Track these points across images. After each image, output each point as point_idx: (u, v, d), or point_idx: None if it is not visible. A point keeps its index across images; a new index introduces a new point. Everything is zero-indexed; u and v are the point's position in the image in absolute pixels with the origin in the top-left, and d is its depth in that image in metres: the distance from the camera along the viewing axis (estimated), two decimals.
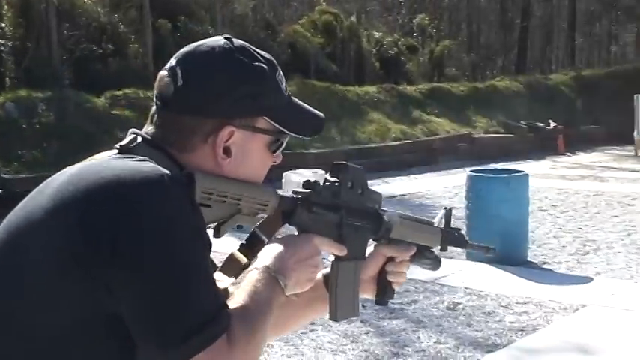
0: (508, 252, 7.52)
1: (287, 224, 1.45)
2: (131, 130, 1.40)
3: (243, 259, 1.42)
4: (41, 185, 1.32)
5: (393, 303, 6.23)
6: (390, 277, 1.67)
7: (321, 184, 1.47)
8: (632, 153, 19.95)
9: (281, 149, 1.45)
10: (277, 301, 1.35)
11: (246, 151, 1.39)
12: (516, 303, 6.27)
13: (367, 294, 1.68)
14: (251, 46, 1.43)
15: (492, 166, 12.65)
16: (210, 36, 1.48)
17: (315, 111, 1.48)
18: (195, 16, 18.95)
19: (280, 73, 1.44)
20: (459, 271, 7.15)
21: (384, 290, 1.67)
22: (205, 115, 1.35)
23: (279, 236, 1.45)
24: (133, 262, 1.17)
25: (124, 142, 1.34)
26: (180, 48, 1.42)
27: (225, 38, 1.42)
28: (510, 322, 5.78)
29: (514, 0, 36.14)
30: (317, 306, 1.60)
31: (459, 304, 6.28)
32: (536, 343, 5.36)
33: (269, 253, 1.38)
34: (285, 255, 1.38)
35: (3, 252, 1.27)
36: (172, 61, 1.39)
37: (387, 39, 26.09)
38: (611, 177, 15.43)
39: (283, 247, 1.39)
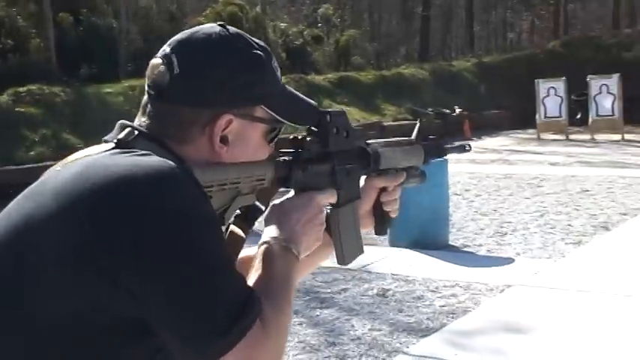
0: (430, 237, 7.68)
1: (283, 187, 1.43)
2: (122, 123, 1.33)
3: (241, 234, 1.40)
4: (32, 187, 1.25)
5: (322, 292, 6.26)
6: (385, 207, 1.67)
7: (308, 137, 1.44)
8: (535, 136, 20.56)
9: (277, 138, 1.42)
10: (295, 271, 1.33)
11: (243, 140, 1.35)
12: (444, 287, 6.35)
13: (366, 227, 1.67)
14: (246, 34, 1.38)
15: None
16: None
17: (309, 99, 1.45)
18: (98, 9, 18.49)
19: (275, 61, 1.40)
20: (384, 257, 7.21)
21: (381, 221, 1.69)
22: (204, 105, 1.30)
23: (277, 202, 1.42)
24: (158, 259, 1.12)
25: (121, 136, 1.27)
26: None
27: (220, 25, 1.36)
28: (440, 306, 5.85)
29: None
30: (321, 253, 1.56)
31: (389, 290, 6.32)
32: (468, 325, 5.44)
33: (274, 222, 1.36)
34: (290, 221, 1.36)
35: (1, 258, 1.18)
36: (166, 49, 1.33)
37: (292, 30, 26.10)
38: (518, 160, 15.87)
39: (287, 213, 1.37)
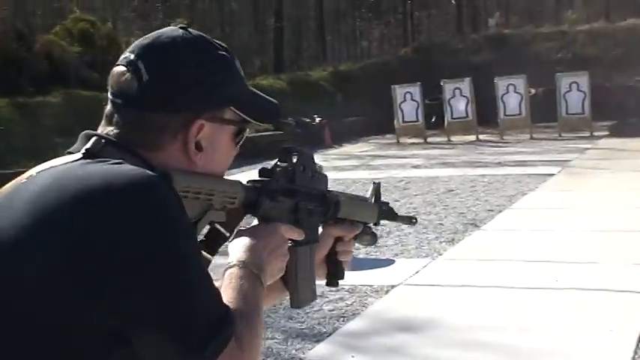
0: None
1: (249, 215, 1.40)
2: (86, 133, 1.28)
3: (209, 257, 1.34)
4: (1, 203, 1.19)
5: None
6: (340, 257, 1.65)
7: (277, 170, 1.44)
8: (394, 140, 21.08)
9: (243, 139, 1.39)
10: (262, 298, 1.30)
11: (215, 143, 1.31)
12: (329, 291, 6.39)
13: (318, 277, 1.64)
14: (206, 35, 1.36)
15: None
16: None
17: (269, 97, 1.43)
18: None
19: (237, 61, 1.38)
20: None
21: (335, 271, 1.66)
22: (175, 111, 1.26)
23: (243, 228, 1.40)
24: (138, 270, 1.09)
25: (89, 146, 1.21)
26: None
27: (182, 28, 1.33)
28: (330, 310, 5.90)
29: (266, 2, 36.92)
30: (271, 296, 1.51)
31: None
32: (360, 326, 5.52)
33: (241, 247, 1.33)
34: (257, 247, 1.33)
35: None
36: (129, 56, 1.28)
37: None
38: (381, 164, 16.22)
39: (255, 239, 1.35)
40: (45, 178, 1.16)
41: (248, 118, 1.36)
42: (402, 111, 20.61)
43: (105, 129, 1.28)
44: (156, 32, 1.33)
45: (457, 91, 20.05)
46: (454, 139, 19.84)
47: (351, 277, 6.72)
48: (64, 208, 1.10)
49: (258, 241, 1.35)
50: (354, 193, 1.75)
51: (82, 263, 1.07)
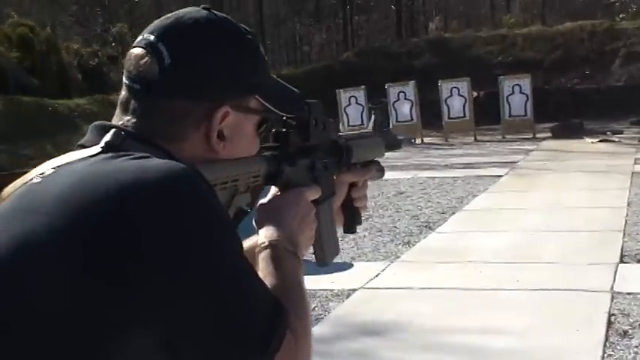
0: None
1: (271, 184, 1.34)
2: (101, 124, 1.18)
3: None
4: (8, 205, 1.07)
5: None
6: (356, 203, 1.59)
7: (291, 130, 1.36)
8: None
9: (265, 132, 1.31)
10: (302, 274, 1.23)
11: (238, 134, 1.23)
12: None
13: (337, 225, 1.57)
14: (231, 18, 1.26)
15: None
16: None
17: (293, 87, 1.35)
18: None
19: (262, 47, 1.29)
20: None
21: (352, 218, 1.60)
22: (199, 97, 1.17)
23: (265, 200, 1.33)
24: (189, 270, 1.00)
25: (108, 139, 1.11)
26: None
27: (205, 8, 1.24)
28: None
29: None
30: None
31: None
32: (324, 331, 5.44)
33: (270, 222, 1.26)
34: (286, 220, 1.27)
35: None
36: (149, 37, 1.19)
37: (86, 50, 25.28)
38: None
39: (281, 212, 1.28)
40: (69, 175, 1.06)
41: (273, 108, 1.27)
42: (347, 115, 20.61)
43: (121, 118, 1.19)
44: (177, 12, 1.23)
45: (401, 95, 20.13)
46: None
47: (310, 282, 6.67)
48: (99, 207, 0.99)
49: (285, 212, 1.28)
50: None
51: (123, 265, 0.97)
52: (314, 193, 1.37)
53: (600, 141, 17.16)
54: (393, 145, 1.77)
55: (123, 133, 1.13)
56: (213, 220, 1.05)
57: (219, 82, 1.18)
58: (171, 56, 1.16)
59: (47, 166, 1.11)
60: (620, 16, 32.12)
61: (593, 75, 25.15)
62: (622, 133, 18.54)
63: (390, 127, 19.81)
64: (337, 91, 20.79)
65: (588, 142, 17.16)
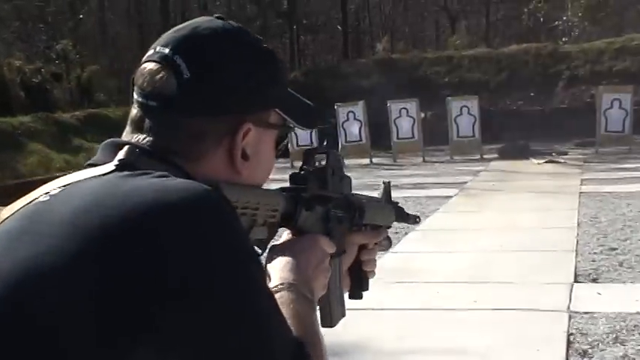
0: None
1: (285, 226, 1.25)
2: (113, 141, 1.10)
3: None
4: (12, 225, 0.98)
5: None
6: (365, 267, 1.48)
7: (310, 175, 1.29)
8: (289, 164, 20.98)
9: (284, 146, 1.25)
10: (317, 320, 1.17)
11: (260, 151, 1.16)
12: None
13: (344, 288, 1.47)
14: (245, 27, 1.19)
15: None
16: None
17: (305, 99, 1.28)
18: None
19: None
20: None
21: (359, 282, 1.49)
22: (220, 113, 1.10)
23: (279, 243, 1.25)
24: (209, 300, 0.91)
25: (122, 156, 1.03)
26: None
27: (219, 18, 1.17)
28: None
29: (151, 26, 36.47)
30: None
31: None
32: None
33: (284, 266, 1.18)
34: (301, 265, 1.19)
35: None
36: (163, 50, 1.11)
37: (28, 67, 24.85)
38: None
39: (297, 255, 1.20)
40: (81, 194, 0.97)
41: (292, 122, 1.21)
42: (295, 135, 20.55)
43: (133, 136, 1.10)
44: (190, 23, 1.16)
45: (351, 115, 20.17)
46: (348, 162, 19.91)
47: None
48: (115, 229, 0.91)
49: (300, 257, 1.20)
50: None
51: (144, 290, 0.89)
52: (329, 245, 1.28)
53: (546, 162, 17.42)
54: (402, 217, 1.68)
55: (137, 150, 1.05)
56: (239, 247, 0.98)
57: (241, 96, 1.11)
58: (190, 70, 1.09)
59: (54, 185, 1.03)
60: (563, 39, 32.82)
61: (537, 97, 25.55)
62: (567, 154, 18.85)
63: (340, 148, 19.83)
64: None
65: (535, 163, 17.39)
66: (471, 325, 5.58)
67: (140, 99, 1.11)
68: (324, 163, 1.32)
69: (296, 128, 1.24)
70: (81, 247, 0.90)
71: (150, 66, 1.11)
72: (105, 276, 0.89)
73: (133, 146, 1.06)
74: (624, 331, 5.17)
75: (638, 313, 5.54)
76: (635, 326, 5.25)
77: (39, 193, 1.03)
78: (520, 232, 9.10)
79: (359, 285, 1.50)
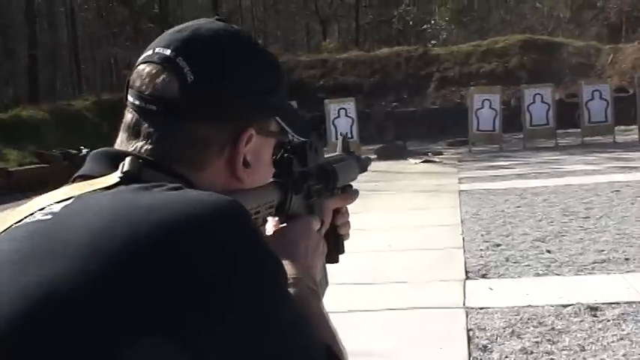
0: None
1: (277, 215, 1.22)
2: (105, 151, 1.04)
3: None
4: (19, 247, 0.88)
5: None
6: (340, 231, 1.46)
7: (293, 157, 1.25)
8: None
9: (280, 155, 1.20)
10: (326, 311, 1.13)
11: (259, 159, 1.12)
12: None
13: None
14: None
15: None
16: None
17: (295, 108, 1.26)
18: None
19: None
20: None
21: (336, 247, 1.46)
22: (225, 119, 1.05)
23: (274, 232, 1.21)
24: (243, 313, 0.86)
25: (127, 168, 0.96)
26: None
27: (219, 19, 1.11)
28: None
29: (18, 29, 35.24)
30: None
31: None
32: None
33: (285, 258, 1.11)
34: (300, 255, 1.15)
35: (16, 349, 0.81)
36: (163, 51, 1.05)
37: None
38: None
39: (294, 244, 1.17)
40: (91, 211, 0.90)
41: (292, 132, 1.17)
42: None
43: (130, 144, 1.03)
44: (190, 24, 1.10)
45: None
46: None
47: None
48: (143, 245, 0.84)
49: (297, 246, 1.16)
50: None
51: (177, 307, 0.82)
52: (318, 224, 1.26)
53: (423, 161, 17.87)
54: (363, 166, 1.65)
55: (140, 160, 0.99)
56: (268, 256, 0.93)
57: (246, 102, 1.06)
58: (194, 73, 1.03)
59: (46, 202, 0.95)
60: (432, 42, 33.75)
61: (410, 98, 26.19)
62: (442, 154, 19.40)
63: None
64: None
65: (412, 163, 17.81)
66: (371, 326, 5.62)
67: (137, 102, 1.05)
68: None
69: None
70: (105, 267, 0.83)
71: (149, 68, 1.05)
72: (135, 295, 0.82)
73: (135, 157, 0.99)
74: (519, 325, 5.33)
75: (530, 306, 5.72)
76: (529, 319, 5.42)
77: (30, 211, 0.94)
78: (407, 231, 9.28)
79: (336, 249, 1.47)
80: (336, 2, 44.82)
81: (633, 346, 4.79)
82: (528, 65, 27.55)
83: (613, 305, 5.61)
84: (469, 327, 5.37)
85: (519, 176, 14.25)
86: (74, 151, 21.19)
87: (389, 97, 26.02)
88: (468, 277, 6.81)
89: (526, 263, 7.16)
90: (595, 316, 5.41)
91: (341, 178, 1.45)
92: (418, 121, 24.20)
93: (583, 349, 4.79)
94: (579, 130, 20.89)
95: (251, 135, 1.08)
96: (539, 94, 20.52)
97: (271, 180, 1.19)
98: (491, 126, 20.05)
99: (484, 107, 19.98)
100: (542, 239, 8.21)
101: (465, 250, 7.89)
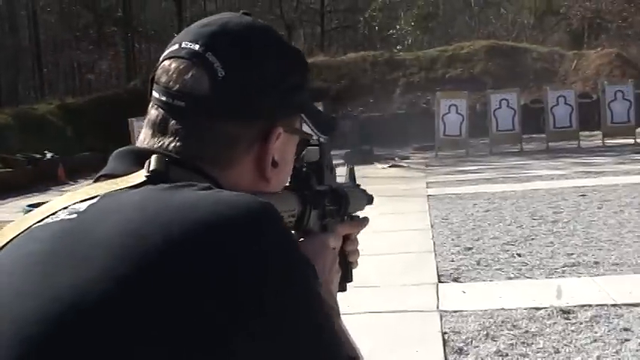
0: None
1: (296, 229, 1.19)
2: (127, 149, 1.01)
3: None
4: (38, 249, 0.86)
5: None
6: (350, 258, 1.43)
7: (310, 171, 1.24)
8: None
9: (303, 153, 1.19)
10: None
11: (285, 158, 1.10)
12: None
13: None
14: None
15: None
16: None
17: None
18: None
19: None
20: None
21: (345, 274, 1.42)
22: (256, 117, 1.02)
23: None
24: (288, 319, 0.85)
25: (155, 166, 0.93)
26: None
27: (245, 13, 1.09)
28: None
29: None
30: None
31: None
32: None
33: None
34: (319, 270, 1.09)
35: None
36: (192, 46, 1.02)
37: None
38: None
39: (312, 260, 1.15)
40: (121, 211, 0.87)
41: (316, 130, 1.15)
42: None
43: (156, 141, 1.01)
44: (217, 17, 1.07)
45: None
46: None
47: None
48: (177, 247, 0.82)
49: (315, 262, 1.09)
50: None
51: (213, 309, 0.80)
52: (334, 241, 1.24)
53: (390, 166, 17.93)
54: (370, 199, 1.62)
55: (167, 159, 0.96)
56: (302, 260, 0.91)
57: (275, 98, 1.04)
58: (224, 68, 1.00)
59: (70, 200, 0.92)
60: (398, 47, 33.93)
61: (377, 103, 26.29)
62: (409, 159, 19.49)
63: None
64: (129, 120, 20.28)
65: (379, 168, 17.86)
66: (348, 330, 5.62)
67: (164, 98, 1.02)
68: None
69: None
70: (138, 270, 0.81)
71: (176, 63, 1.02)
72: (170, 298, 0.80)
73: (162, 155, 0.97)
74: (494, 327, 5.37)
75: (503, 309, 5.76)
76: (502, 322, 5.47)
77: (52, 210, 0.92)
78: (377, 235, 9.28)
79: (344, 277, 1.43)
80: (302, 7, 44.87)
81: (606, 347, 4.85)
82: (493, 70, 27.83)
83: (585, 308, 5.67)
84: (444, 330, 5.40)
85: (487, 180, 14.37)
86: (38, 156, 20.99)
87: (355, 102, 26.11)
88: (440, 281, 6.85)
89: (497, 267, 7.22)
90: (568, 319, 5.46)
91: (353, 205, 1.43)
92: (385, 125, 24.31)
93: (557, 352, 4.84)
94: (544, 135, 21.12)
95: (279, 133, 1.05)
96: (505, 99, 20.72)
97: (289, 188, 1.18)
98: (457, 131, 20.20)
99: (450, 112, 20.13)
100: (512, 243, 8.29)
101: (436, 254, 7.94)
